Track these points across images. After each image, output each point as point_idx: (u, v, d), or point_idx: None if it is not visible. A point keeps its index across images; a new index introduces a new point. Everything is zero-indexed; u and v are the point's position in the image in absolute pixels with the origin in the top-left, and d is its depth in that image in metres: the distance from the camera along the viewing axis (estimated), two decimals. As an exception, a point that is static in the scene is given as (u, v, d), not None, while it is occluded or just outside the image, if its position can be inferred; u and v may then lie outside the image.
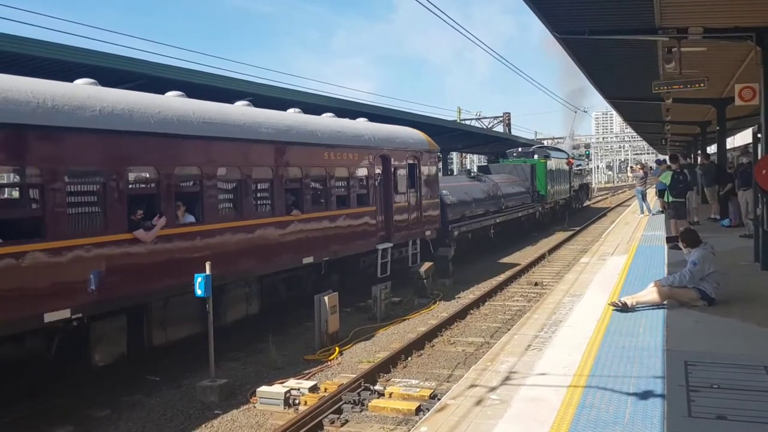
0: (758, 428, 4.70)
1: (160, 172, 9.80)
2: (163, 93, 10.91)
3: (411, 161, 17.12)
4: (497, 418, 5.23)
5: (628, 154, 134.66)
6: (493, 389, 5.95)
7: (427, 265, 15.96)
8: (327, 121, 15.00)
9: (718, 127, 21.65)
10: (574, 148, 62.08)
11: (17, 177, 8.28)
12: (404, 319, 13.63)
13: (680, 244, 9.69)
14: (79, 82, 9.59)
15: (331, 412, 8.22)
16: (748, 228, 15.21)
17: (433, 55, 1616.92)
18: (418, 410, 8.09)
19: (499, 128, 45.95)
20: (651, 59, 14.09)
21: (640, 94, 19.75)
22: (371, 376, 9.49)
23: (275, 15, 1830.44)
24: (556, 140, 64.39)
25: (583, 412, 5.25)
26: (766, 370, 5.94)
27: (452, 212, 20.02)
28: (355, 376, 9.45)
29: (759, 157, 11.58)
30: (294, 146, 12.82)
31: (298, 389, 8.95)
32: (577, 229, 30.72)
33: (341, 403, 8.48)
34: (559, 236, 28.15)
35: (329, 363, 10.70)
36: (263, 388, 8.99)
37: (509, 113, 48.03)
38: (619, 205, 49.51)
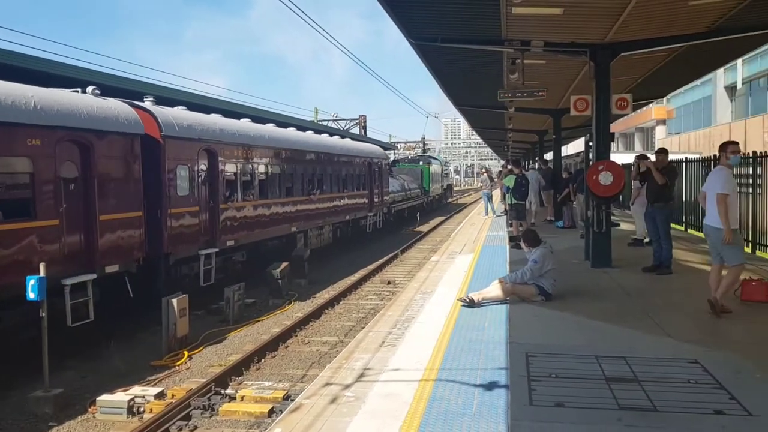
0: (592, 413, 5.08)
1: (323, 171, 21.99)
2: None
3: (379, 165, 29.02)
4: (352, 415, 5.25)
5: (474, 159, 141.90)
6: (348, 386, 5.96)
7: (282, 265, 15.76)
8: (343, 141, 27.26)
9: (554, 136, 23.35)
10: (425, 151, 64.87)
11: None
12: (258, 321, 13.37)
13: (521, 244, 10.31)
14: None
15: (179, 419, 7.86)
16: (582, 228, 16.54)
17: (290, 54, 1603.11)
18: (271, 412, 7.95)
19: (355, 130, 46.45)
20: (497, 69, 14.88)
21: (487, 103, 20.79)
22: (222, 380, 9.19)
23: (120, 2, 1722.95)
24: (408, 143, 66.29)
25: (434, 404, 5.40)
26: (596, 359, 6.43)
27: (388, 198, 31.35)
28: (205, 380, 9.11)
29: (591, 163, 12.58)
30: (344, 157, 24.59)
31: (143, 396, 8.46)
32: (426, 230, 31.90)
33: (190, 409, 8.14)
34: (412, 235, 29.15)
35: (177, 368, 10.23)
36: (104, 397, 8.41)
37: (365, 116, 48.62)
38: (469, 204, 53.77)
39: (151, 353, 11.01)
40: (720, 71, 41.28)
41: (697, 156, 20.32)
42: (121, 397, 8.41)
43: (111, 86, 13.69)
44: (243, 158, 16.05)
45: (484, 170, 40.34)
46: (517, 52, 12.19)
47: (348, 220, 24.61)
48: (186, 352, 10.84)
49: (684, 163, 19.10)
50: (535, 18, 10.65)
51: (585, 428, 4.80)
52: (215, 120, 15.53)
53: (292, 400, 7.15)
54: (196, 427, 7.78)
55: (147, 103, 13.33)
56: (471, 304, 9.14)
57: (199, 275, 13.89)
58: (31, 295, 8.33)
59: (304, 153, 20.24)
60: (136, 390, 8.72)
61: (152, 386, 9.10)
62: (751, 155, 13.97)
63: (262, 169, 17.14)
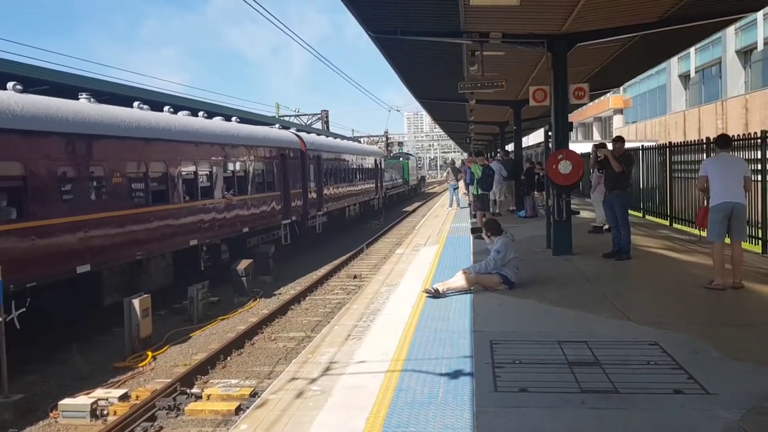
0: (554, 397, 5.15)
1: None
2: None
3: (381, 161, 39.73)
4: (318, 409, 5.24)
5: (437, 152, 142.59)
6: (313, 380, 5.94)
7: (246, 262, 15.62)
8: (364, 145, 41.76)
9: (515, 127, 23.58)
10: (387, 146, 65.78)
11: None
12: (223, 319, 13.25)
13: (483, 234, 10.39)
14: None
15: (144, 420, 7.77)
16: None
17: (250, 50, 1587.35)
18: (238, 410, 7.89)
19: (318, 125, 46.29)
20: (457, 62, 14.95)
21: (448, 95, 20.84)
22: (188, 379, 9.08)
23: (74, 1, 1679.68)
24: (371, 138, 66.42)
25: (400, 395, 5.42)
26: (559, 344, 6.52)
27: (384, 185, 41.19)
28: (170, 380, 9.00)
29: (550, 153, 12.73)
30: (366, 156, 35.70)
31: (107, 399, 8.33)
32: (393, 222, 32.02)
33: (155, 410, 8.03)
34: (378, 228, 29.26)
35: (141, 369, 10.09)
36: (66, 401, 8.25)
37: (327, 111, 48.54)
38: (435, 195, 56.14)
39: (113, 355, 10.84)
40: (674, 61, 42.20)
41: (653, 144, 20.74)
42: (83, 400, 8.26)
43: (282, 124, 26.24)
44: (328, 159, 26.50)
45: (449, 163, 41.15)
46: (476, 44, 12.25)
47: (367, 200, 35.27)
48: (150, 353, 10.70)
49: (641, 151, 19.50)
50: (493, 9, 10.70)
51: (549, 412, 4.87)
52: (318, 137, 28.13)
53: (260, 397, 7.12)
54: (161, 428, 7.70)
55: (293, 130, 25.16)
56: (436, 294, 9.18)
57: (316, 227, 24.44)
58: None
59: (350, 154, 31.17)
60: (99, 392, 8.58)
61: (116, 388, 8.96)
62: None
63: (335, 165, 27.80)
